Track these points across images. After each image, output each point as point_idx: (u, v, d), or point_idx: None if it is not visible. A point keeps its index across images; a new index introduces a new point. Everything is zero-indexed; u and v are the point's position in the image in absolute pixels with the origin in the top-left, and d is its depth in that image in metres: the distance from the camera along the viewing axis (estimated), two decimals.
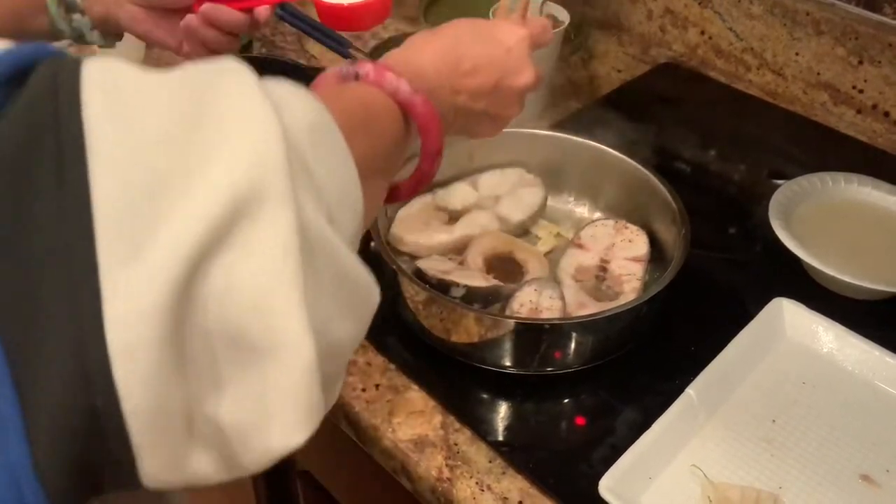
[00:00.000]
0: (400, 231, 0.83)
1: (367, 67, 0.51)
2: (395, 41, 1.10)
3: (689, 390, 0.69)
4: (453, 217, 0.86)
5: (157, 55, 1.15)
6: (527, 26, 0.65)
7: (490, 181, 0.88)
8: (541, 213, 0.88)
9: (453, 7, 1.28)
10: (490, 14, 1.02)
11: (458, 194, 0.87)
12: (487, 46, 0.61)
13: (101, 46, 0.79)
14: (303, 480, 1.01)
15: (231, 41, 0.75)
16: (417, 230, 0.83)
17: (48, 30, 0.75)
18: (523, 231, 0.87)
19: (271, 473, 1.07)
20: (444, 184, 0.88)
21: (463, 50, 0.60)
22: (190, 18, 0.73)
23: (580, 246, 0.82)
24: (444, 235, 0.83)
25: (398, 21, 1.27)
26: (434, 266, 0.78)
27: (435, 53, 0.58)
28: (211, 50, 0.75)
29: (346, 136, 0.39)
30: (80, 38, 0.77)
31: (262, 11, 0.74)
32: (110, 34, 0.78)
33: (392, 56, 0.58)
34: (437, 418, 0.71)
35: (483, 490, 0.65)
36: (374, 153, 0.47)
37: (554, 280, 0.79)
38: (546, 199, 0.88)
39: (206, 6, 0.72)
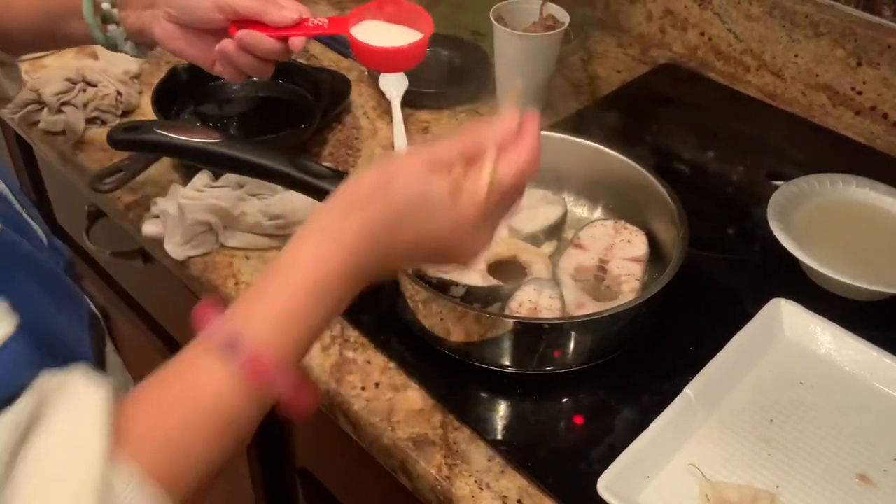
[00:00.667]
0: None
1: (243, 358, 0.47)
2: None
3: (688, 390, 0.69)
4: None
5: (159, 53, 1.15)
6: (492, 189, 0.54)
7: None
8: (557, 229, 0.86)
9: (455, 7, 1.28)
10: (490, 16, 1.03)
11: None
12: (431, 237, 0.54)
13: (133, 56, 0.79)
14: (302, 479, 1.02)
15: (264, 66, 0.76)
16: None
17: (83, 35, 0.75)
18: (535, 245, 0.85)
19: (271, 472, 1.08)
20: None
21: (398, 236, 0.53)
22: (226, 43, 0.73)
23: (579, 246, 0.82)
24: None
25: None
26: None
27: (361, 237, 0.52)
28: (244, 73, 0.76)
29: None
30: (113, 48, 0.77)
31: (297, 41, 0.73)
32: (143, 45, 0.79)
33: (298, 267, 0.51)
34: (437, 417, 0.71)
35: (482, 489, 0.66)
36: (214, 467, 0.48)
37: (553, 280, 0.79)
38: (565, 216, 0.87)
39: (241, 33, 0.72)
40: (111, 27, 0.75)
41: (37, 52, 1.05)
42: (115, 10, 0.74)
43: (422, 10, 0.77)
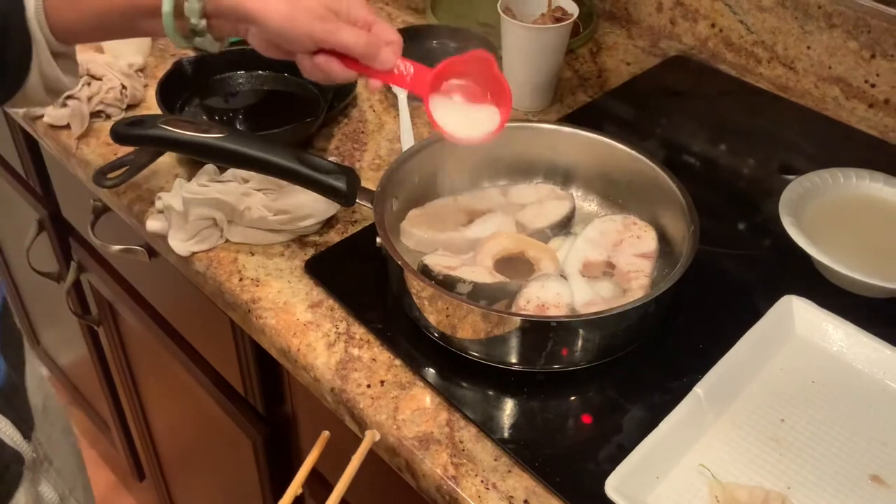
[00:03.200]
0: (409, 226, 0.83)
1: None
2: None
3: (697, 389, 0.68)
4: (473, 219, 0.84)
5: (164, 45, 1.14)
6: None
7: (520, 191, 0.87)
8: (565, 224, 0.85)
9: (461, 2, 1.27)
10: (498, 7, 1.02)
11: (482, 197, 0.87)
12: None
13: (212, 51, 0.75)
14: (308, 476, 1.01)
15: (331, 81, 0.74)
16: (427, 227, 0.83)
17: (158, 32, 0.72)
18: (543, 241, 0.84)
19: (277, 468, 1.07)
20: (472, 188, 0.88)
21: None
22: (303, 59, 0.71)
23: (588, 242, 0.81)
24: (454, 234, 0.82)
25: (405, 13, 1.26)
26: (440, 262, 0.77)
27: None
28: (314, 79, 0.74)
29: None
30: (190, 47, 0.74)
31: (375, 84, 0.73)
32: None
33: None
34: (443, 415, 0.70)
35: (488, 488, 0.65)
36: None
37: (561, 276, 0.78)
38: (573, 212, 0.86)
39: (321, 60, 0.70)
40: (198, 40, 0.72)
41: (97, 41, 1.01)
42: (203, 23, 0.70)
43: (506, 83, 0.74)
